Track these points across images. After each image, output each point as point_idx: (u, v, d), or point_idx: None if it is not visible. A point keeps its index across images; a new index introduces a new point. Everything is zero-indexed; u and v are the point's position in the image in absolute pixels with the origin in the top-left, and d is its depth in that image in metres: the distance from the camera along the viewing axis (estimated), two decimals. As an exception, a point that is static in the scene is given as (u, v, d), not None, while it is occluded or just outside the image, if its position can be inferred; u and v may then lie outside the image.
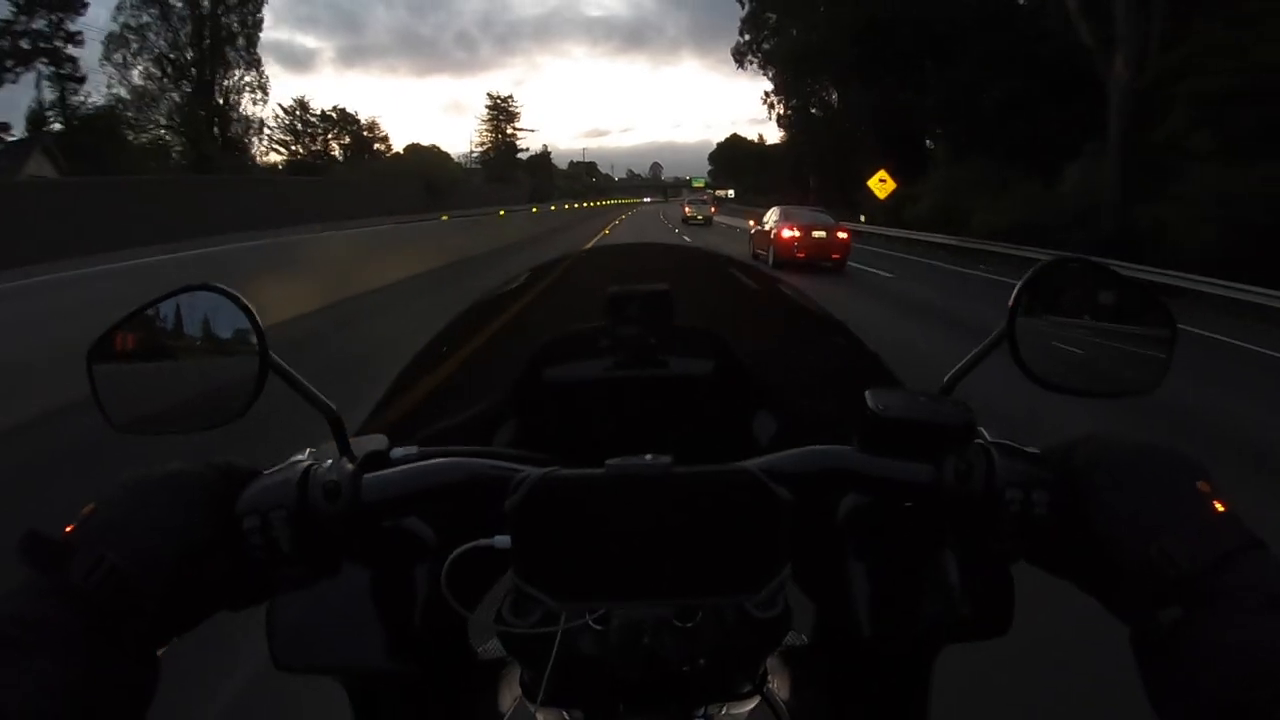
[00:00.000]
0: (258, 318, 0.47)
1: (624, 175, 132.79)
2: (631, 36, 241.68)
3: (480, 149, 74.20)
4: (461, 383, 0.73)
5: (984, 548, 0.46)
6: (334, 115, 59.78)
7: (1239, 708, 0.32)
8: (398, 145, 67.58)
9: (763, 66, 42.94)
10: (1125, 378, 0.51)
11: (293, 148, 56.10)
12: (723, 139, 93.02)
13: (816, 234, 13.10)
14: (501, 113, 75.14)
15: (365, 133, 60.43)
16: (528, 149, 78.77)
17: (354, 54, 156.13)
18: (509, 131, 74.70)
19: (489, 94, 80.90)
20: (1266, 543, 0.37)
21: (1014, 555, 0.46)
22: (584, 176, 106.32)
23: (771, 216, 14.30)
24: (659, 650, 0.42)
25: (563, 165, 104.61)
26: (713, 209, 37.91)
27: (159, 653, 0.40)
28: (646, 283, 0.65)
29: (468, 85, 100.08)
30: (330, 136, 58.20)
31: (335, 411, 0.48)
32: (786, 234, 13.06)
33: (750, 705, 0.51)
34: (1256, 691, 0.32)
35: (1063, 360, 0.50)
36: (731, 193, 75.28)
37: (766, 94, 42.74)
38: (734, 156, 79.16)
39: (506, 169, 70.91)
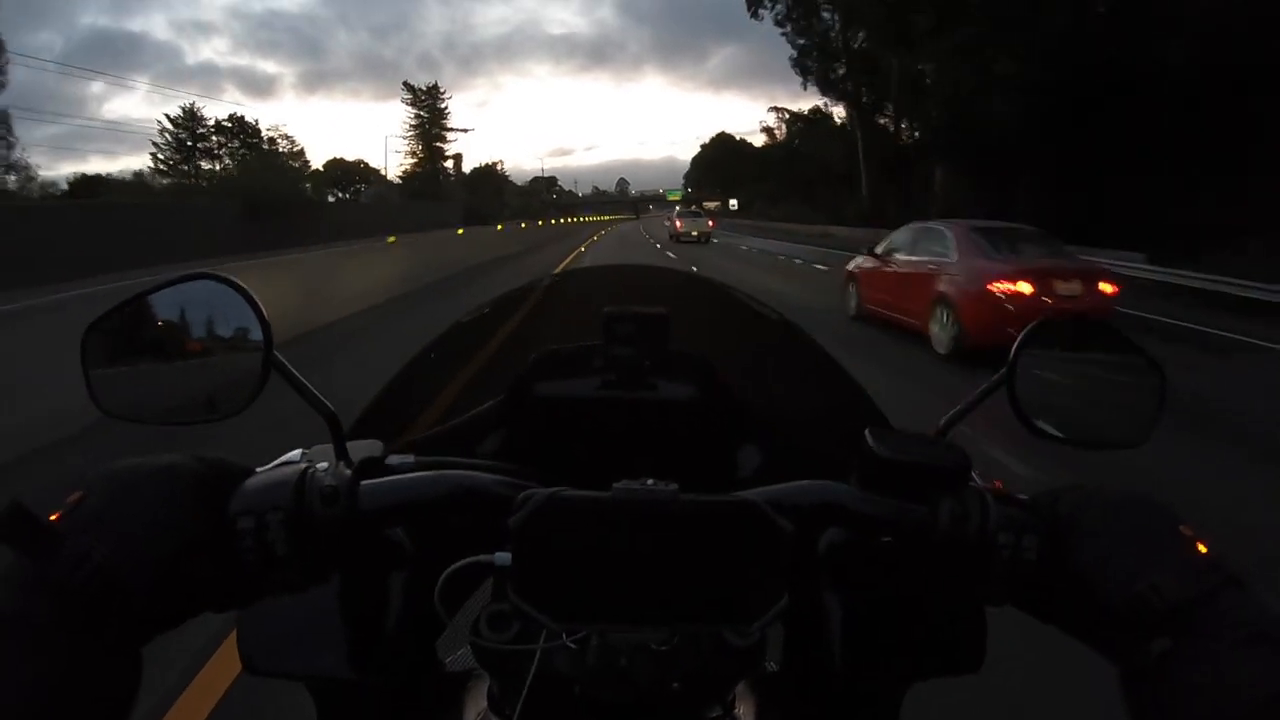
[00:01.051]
0: (264, 311, 0.46)
1: (589, 191, 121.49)
2: (594, 54, 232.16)
3: (411, 159, 60.19)
4: (454, 391, 0.73)
5: (971, 590, 0.47)
6: (230, 125, 48.98)
7: None
8: (318, 161, 57.17)
9: (785, 20, 31.19)
10: (1116, 431, 0.53)
11: (181, 166, 45.72)
12: (707, 141, 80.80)
13: (1064, 288, 6.00)
14: (428, 110, 60.83)
15: (268, 145, 49.45)
16: (460, 154, 64.44)
17: (316, 79, 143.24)
18: (438, 133, 60.48)
19: (405, 83, 64.16)
20: (1245, 581, 0.39)
21: (1001, 599, 0.46)
22: (543, 192, 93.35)
23: (913, 245, 7.20)
24: (634, 673, 0.43)
25: (524, 183, 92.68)
26: (710, 223, 29.19)
27: (141, 650, 0.38)
28: (643, 304, 0.63)
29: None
30: (224, 150, 47.66)
31: (335, 415, 0.48)
32: (1003, 287, 5.87)
33: None
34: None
35: (1058, 410, 0.52)
36: (735, 203, 61.42)
37: (798, 54, 31.33)
38: (721, 161, 67.54)
39: (434, 183, 57.28)
